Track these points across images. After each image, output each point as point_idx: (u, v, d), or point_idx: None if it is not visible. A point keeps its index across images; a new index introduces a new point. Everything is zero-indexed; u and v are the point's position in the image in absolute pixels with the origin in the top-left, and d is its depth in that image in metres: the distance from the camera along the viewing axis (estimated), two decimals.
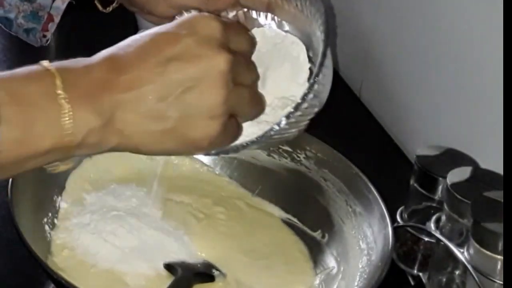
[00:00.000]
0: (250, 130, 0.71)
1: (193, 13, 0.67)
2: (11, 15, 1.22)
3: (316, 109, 0.72)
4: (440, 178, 0.90)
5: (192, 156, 0.99)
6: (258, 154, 0.99)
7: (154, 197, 0.93)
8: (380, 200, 0.89)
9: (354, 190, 0.92)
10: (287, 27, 0.79)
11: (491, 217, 0.79)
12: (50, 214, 0.89)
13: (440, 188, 0.91)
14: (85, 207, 0.90)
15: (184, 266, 0.85)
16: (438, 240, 0.88)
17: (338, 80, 1.32)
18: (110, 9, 1.05)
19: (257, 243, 0.92)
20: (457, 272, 0.88)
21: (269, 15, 0.80)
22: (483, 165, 0.93)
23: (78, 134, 0.61)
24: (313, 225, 0.94)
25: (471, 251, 0.81)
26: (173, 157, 0.99)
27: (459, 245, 0.84)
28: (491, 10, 0.95)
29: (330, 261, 0.90)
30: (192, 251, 0.88)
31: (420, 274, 0.94)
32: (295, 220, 0.95)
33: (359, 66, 1.30)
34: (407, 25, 1.16)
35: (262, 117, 0.72)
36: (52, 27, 1.21)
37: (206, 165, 1.00)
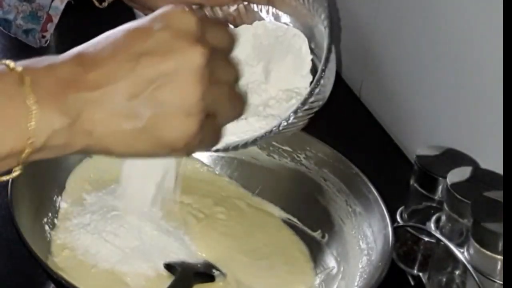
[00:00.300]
0: (258, 125, 0.71)
1: (168, 6, 0.62)
2: (10, 16, 1.22)
3: (321, 103, 0.72)
4: (440, 178, 0.90)
5: (192, 156, 0.99)
6: (258, 154, 0.99)
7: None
8: (380, 200, 0.89)
9: (354, 190, 0.92)
10: (284, 20, 0.79)
11: (491, 217, 0.79)
12: (50, 214, 0.89)
13: (440, 188, 0.91)
14: (85, 207, 0.90)
15: (184, 266, 0.85)
16: (438, 240, 0.88)
17: (338, 80, 1.32)
18: (105, 4, 1.05)
19: (257, 243, 0.92)
20: (457, 272, 0.88)
21: (270, 8, 0.80)
22: (483, 165, 0.93)
23: (40, 136, 0.57)
24: (313, 225, 0.94)
25: (471, 251, 0.81)
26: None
27: (459, 245, 0.84)
28: (491, 10, 0.95)
29: (330, 261, 0.90)
30: (192, 251, 0.88)
31: (420, 274, 0.94)
32: (295, 220, 0.95)
33: (359, 66, 1.30)
34: (407, 25, 1.16)
35: (268, 110, 0.72)
36: (51, 27, 1.21)
37: (206, 165, 1.00)
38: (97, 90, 0.58)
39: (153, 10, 0.86)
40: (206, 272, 0.86)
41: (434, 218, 0.90)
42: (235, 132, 0.73)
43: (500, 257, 0.79)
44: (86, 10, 1.10)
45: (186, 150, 0.62)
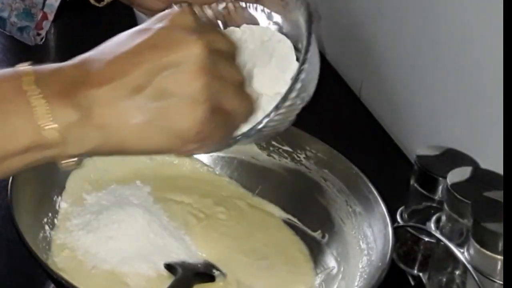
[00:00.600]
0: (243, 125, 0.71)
1: (171, 9, 0.64)
2: (4, 14, 1.22)
3: (306, 99, 0.72)
4: (440, 178, 0.90)
5: (192, 156, 1.00)
6: (258, 154, 0.99)
7: (154, 197, 0.93)
8: (380, 200, 0.89)
9: (354, 190, 0.92)
10: (275, 18, 0.79)
11: (491, 217, 0.79)
12: (50, 214, 0.89)
13: (440, 188, 0.91)
14: (85, 207, 0.90)
15: (185, 266, 0.85)
16: (438, 240, 0.88)
17: (338, 80, 1.32)
18: (104, 3, 1.05)
19: (258, 243, 0.92)
20: (457, 272, 0.88)
21: (259, 6, 0.80)
22: (483, 165, 0.93)
23: (57, 129, 0.59)
24: (313, 225, 0.94)
25: (471, 251, 0.81)
26: (173, 157, 0.99)
27: (459, 245, 0.84)
28: (491, 10, 0.95)
29: (330, 261, 0.90)
30: (193, 251, 0.88)
31: (420, 274, 0.94)
32: (295, 220, 0.95)
33: (359, 66, 1.30)
34: (407, 25, 1.16)
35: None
36: (46, 25, 1.21)
37: (206, 165, 1.00)
38: (105, 86, 0.60)
39: (142, 7, 0.87)
40: (206, 272, 0.86)
41: (434, 218, 0.90)
42: None
43: (500, 257, 0.79)
44: (86, 9, 1.10)
45: (198, 141, 0.63)
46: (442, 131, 1.09)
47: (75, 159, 0.62)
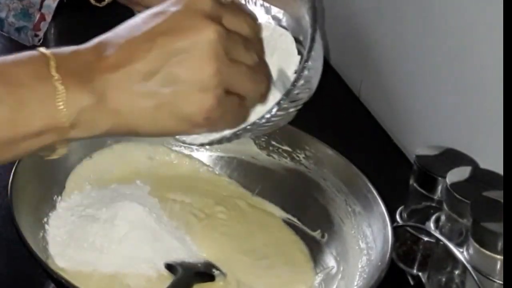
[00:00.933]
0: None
1: None
2: (2, 14, 1.22)
3: (307, 94, 0.72)
4: (440, 178, 0.90)
5: (192, 156, 1.00)
6: (258, 154, 0.99)
7: (154, 197, 0.93)
8: (379, 200, 0.89)
9: (353, 190, 0.92)
10: (274, 12, 0.79)
11: (491, 217, 0.79)
12: (50, 214, 0.89)
13: (439, 188, 0.91)
14: (85, 207, 0.90)
15: (185, 265, 0.85)
16: (438, 240, 0.88)
17: (338, 80, 1.32)
18: (105, 3, 1.05)
19: (258, 243, 0.92)
20: (456, 272, 0.88)
21: (258, 0, 0.80)
22: (483, 165, 0.93)
23: (71, 113, 0.61)
24: (312, 224, 0.94)
25: (471, 251, 0.81)
26: (172, 157, 0.99)
27: (459, 245, 0.84)
28: (491, 10, 0.95)
29: (330, 261, 0.90)
30: (193, 251, 0.88)
31: (420, 274, 0.94)
32: (294, 219, 0.95)
33: (359, 66, 1.30)
34: (407, 25, 1.16)
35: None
36: (44, 26, 1.21)
37: (206, 165, 1.00)
38: (118, 71, 0.62)
39: (140, 5, 0.87)
40: (206, 272, 0.86)
41: (433, 218, 0.90)
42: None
43: (500, 257, 0.79)
44: (86, 9, 1.10)
45: (207, 125, 0.65)
46: (442, 131, 1.09)
47: (68, 147, 0.64)
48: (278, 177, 0.98)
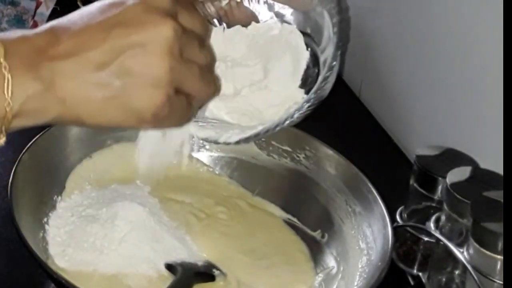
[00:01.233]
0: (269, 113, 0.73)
1: None
2: None
3: (321, 100, 0.73)
4: (440, 178, 0.90)
5: (192, 156, 1.00)
6: (258, 154, 0.99)
7: (154, 197, 0.93)
8: (379, 200, 0.89)
9: (354, 190, 0.92)
10: (277, 8, 0.80)
11: (491, 217, 0.79)
12: (50, 214, 0.89)
13: (439, 188, 0.91)
14: (85, 207, 0.90)
15: (185, 265, 0.85)
16: (438, 240, 0.88)
17: (338, 80, 1.32)
18: None
19: (258, 243, 0.92)
20: (456, 272, 0.88)
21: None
22: (483, 165, 0.93)
23: (16, 101, 0.59)
24: (312, 225, 0.94)
25: (471, 251, 0.81)
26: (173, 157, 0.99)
27: (459, 245, 0.84)
28: (491, 10, 0.95)
29: (330, 261, 0.90)
30: (193, 251, 0.88)
31: (420, 274, 0.94)
32: (295, 220, 0.95)
33: (359, 66, 1.30)
34: (407, 25, 1.16)
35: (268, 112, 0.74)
36: None
37: (206, 165, 1.00)
38: (69, 59, 0.60)
39: None
40: (207, 272, 0.86)
41: (433, 218, 0.90)
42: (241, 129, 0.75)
43: (500, 257, 0.79)
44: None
45: (154, 122, 0.64)
46: (442, 131, 1.09)
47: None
48: (278, 177, 0.98)
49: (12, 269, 0.89)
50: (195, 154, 1.00)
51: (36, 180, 0.87)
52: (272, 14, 0.80)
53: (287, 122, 0.72)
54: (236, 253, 0.90)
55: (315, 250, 0.92)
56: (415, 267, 0.95)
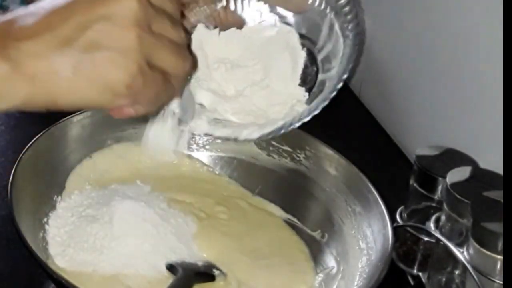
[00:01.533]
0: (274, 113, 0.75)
1: None
2: None
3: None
4: (440, 178, 0.90)
5: (192, 156, 1.00)
6: (258, 154, 0.99)
7: (154, 197, 0.93)
8: (379, 200, 0.89)
9: (354, 190, 0.92)
10: (278, 10, 0.80)
11: (491, 217, 0.79)
12: (50, 214, 0.89)
13: (439, 188, 0.91)
14: (85, 207, 0.90)
15: (185, 265, 0.85)
16: (438, 240, 0.88)
17: None
18: None
19: (258, 243, 0.92)
20: (456, 272, 0.88)
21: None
22: (483, 165, 0.93)
23: None
24: (312, 224, 0.94)
25: (471, 251, 0.81)
26: (173, 157, 0.99)
27: (459, 245, 0.84)
28: (491, 10, 0.95)
29: (330, 261, 0.90)
30: (193, 251, 0.88)
31: (420, 274, 0.94)
32: (294, 220, 0.95)
33: (359, 66, 1.30)
34: (407, 25, 1.16)
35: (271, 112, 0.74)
36: None
37: (206, 165, 1.00)
38: (35, 38, 0.60)
39: None
40: (207, 272, 0.86)
41: (433, 218, 0.90)
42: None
43: (500, 257, 0.79)
44: None
45: (129, 95, 0.63)
46: (442, 131, 1.09)
47: None
48: (278, 177, 0.98)
49: (12, 269, 0.89)
50: (195, 154, 1.00)
51: (36, 180, 0.87)
52: (273, 14, 0.80)
53: (308, 116, 0.73)
54: (236, 253, 0.90)
55: (315, 250, 0.92)
56: (415, 267, 0.95)
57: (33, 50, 0.60)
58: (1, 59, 0.60)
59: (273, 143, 0.98)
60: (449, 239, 0.86)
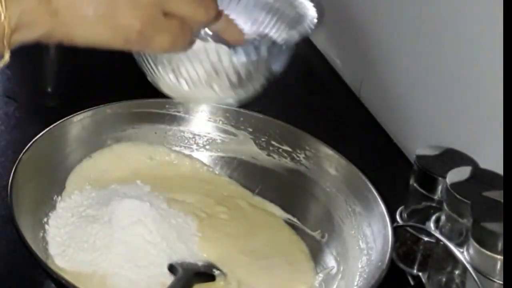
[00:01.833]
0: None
1: None
2: None
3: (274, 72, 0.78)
4: (440, 178, 0.90)
5: (192, 156, 1.00)
6: (258, 154, 0.99)
7: (154, 197, 0.93)
8: (380, 200, 0.89)
9: (354, 189, 0.92)
10: None
11: (491, 217, 0.79)
12: (50, 214, 0.89)
13: (439, 188, 0.91)
14: (85, 207, 0.90)
15: (185, 265, 0.85)
16: (438, 240, 0.88)
17: (338, 80, 1.32)
18: None
19: (259, 243, 0.92)
20: (456, 272, 0.88)
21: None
22: (483, 165, 0.93)
23: (13, 15, 0.62)
24: (312, 224, 0.94)
25: (471, 251, 0.81)
26: (173, 157, 0.99)
27: (459, 245, 0.84)
28: (491, 10, 0.95)
29: (330, 261, 0.90)
30: (193, 251, 0.88)
31: (420, 274, 0.94)
32: (294, 220, 0.95)
33: (359, 66, 1.30)
34: (406, 25, 1.16)
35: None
36: None
37: (206, 165, 1.00)
38: None
39: None
40: (207, 272, 0.86)
41: (433, 218, 0.90)
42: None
43: (500, 257, 0.79)
44: None
45: (140, 41, 0.67)
46: (442, 131, 1.09)
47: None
48: (278, 177, 0.98)
49: (12, 269, 0.89)
50: (195, 154, 1.00)
51: (36, 180, 0.87)
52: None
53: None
54: (237, 253, 0.90)
55: (315, 250, 0.92)
56: (415, 267, 0.95)
57: None
58: None
59: (273, 143, 0.98)
60: (449, 239, 0.86)
